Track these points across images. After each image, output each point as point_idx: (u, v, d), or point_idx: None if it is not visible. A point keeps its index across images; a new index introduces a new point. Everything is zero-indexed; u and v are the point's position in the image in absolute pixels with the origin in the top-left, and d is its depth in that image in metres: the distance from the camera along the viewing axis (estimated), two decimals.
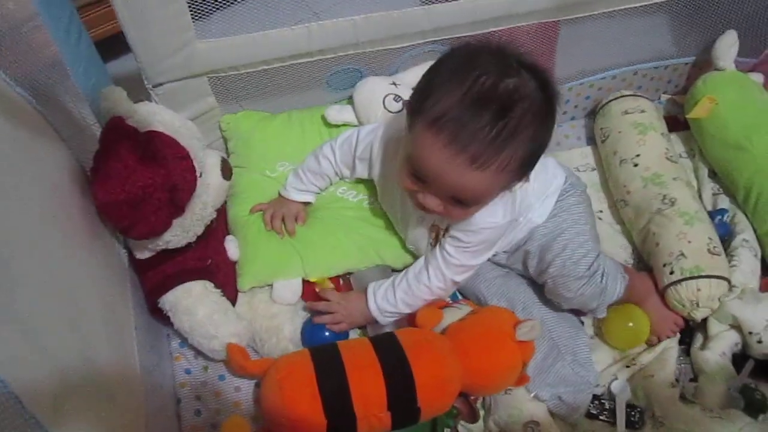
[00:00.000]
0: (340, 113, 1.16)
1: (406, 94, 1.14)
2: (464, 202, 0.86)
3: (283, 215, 1.10)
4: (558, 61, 1.40)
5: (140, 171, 0.82)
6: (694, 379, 1.08)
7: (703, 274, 1.07)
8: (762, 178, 1.20)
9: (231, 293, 1.04)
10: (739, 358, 1.09)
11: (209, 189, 0.97)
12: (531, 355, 0.99)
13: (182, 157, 0.87)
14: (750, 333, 1.06)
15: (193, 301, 0.96)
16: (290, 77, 1.13)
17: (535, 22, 1.20)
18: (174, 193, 0.85)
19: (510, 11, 1.15)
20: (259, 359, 1.02)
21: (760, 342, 1.05)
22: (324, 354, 0.93)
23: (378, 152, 1.05)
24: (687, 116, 1.33)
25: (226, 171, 1.00)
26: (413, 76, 1.17)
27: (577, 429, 1.04)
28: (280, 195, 1.13)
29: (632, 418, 1.04)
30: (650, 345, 1.13)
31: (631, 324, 1.10)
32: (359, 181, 1.16)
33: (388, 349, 0.93)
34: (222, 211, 1.09)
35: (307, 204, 1.14)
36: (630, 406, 1.05)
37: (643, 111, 1.33)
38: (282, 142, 1.17)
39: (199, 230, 0.98)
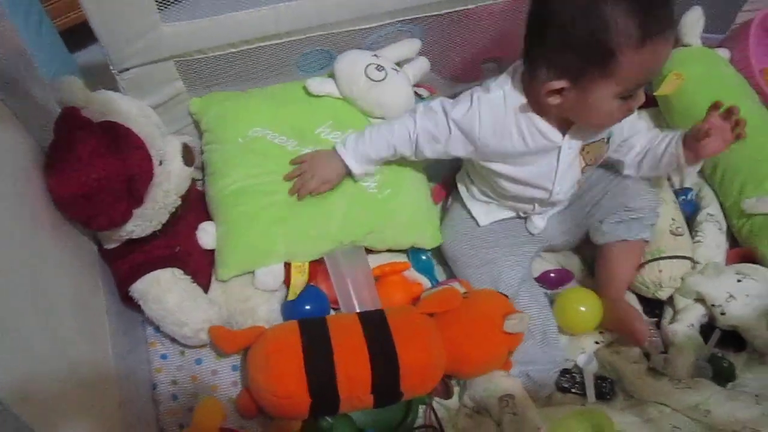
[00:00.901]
0: (321, 85, 1.14)
1: (388, 64, 1.14)
2: None
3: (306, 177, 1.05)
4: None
5: (95, 162, 0.82)
6: (665, 351, 1.11)
7: (665, 255, 1.10)
8: (727, 153, 1.21)
9: (203, 279, 1.04)
10: (707, 329, 1.12)
11: (171, 176, 0.96)
12: (517, 344, 1.01)
13: (138, 146, 0.87)
14: (713, 305, 1.08)
15: (162, 289, 0.97)
16: (259, 60, 1.11)
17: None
18: (131, 184, 0.85)
19: None
20: (247, 328, 1.02)
21: (723, 314, 1.08)
22: (313, 330, 0.94)
23: (509, 128, 1.00)
24: (654, 94, 1.34)
25: (189, 157, 0.99)
26: (393, 51, 1.17)
27: (551, 400, 1.07)
28: (333, 149, 1.08)
29: (603, 389, 1.06)
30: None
31: (583, 308, 1.10)
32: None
33: (377, 330, 0.94)
34: (193, 196, 1.08)
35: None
36: (601, 378, 1.08)
37: None
38: (254, 111, 1.13)
39: (164, 218, 0.97)
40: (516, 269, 1.11)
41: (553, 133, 0.99)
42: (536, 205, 1.12)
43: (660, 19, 0.84)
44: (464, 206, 1.17)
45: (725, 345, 1.12)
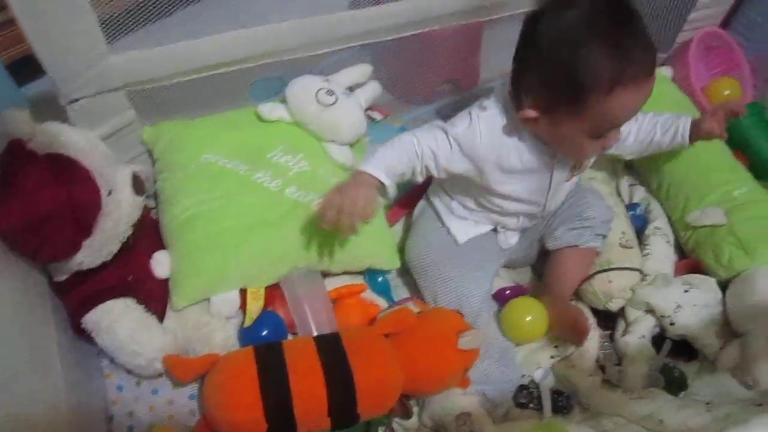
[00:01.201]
0: (272, 110, 1.16)
1: (338, 89, 1.15)
2: None
3: (348, 205, 0.93)
4: (483, 61, 1.44)
5: (40, 194, 0.82)
6: (619, 363, 1.13)
7: (614, 266, 1.13)
8: (670, 167, 1.26)
9: (158, 307, 1.04)
10: (659, 340, 1.14)
11: (121, 206, 0.96)
12: (473, 361, 1.02)
13: (84, 177, 0.87)
14: (662, 316, 1.11)
15: (114, 320, 0.96)
16: (211, 87, 1.12)
17: (458, 23, 1.23)
18: (78, 215, 0.85)
19: (430, 14, 1.17)
20: (202, 356, 1.01)
21: (672, 324, 1.10)
22: (268, 355, 0.94)
23: (506, 145, 1.00)
24: None
25: (139, 186, 0.99)
26: (344, 76, 1.19)
27: (508, 417, 1.07)
28: (355, 173, 0.98)
29: (559, 404, 1.08)
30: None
31: (529, 318, 1.10)
32: (305, 176, 1.13)
33: (332, 352, 0.95)
34: (147, 224, 1.07)
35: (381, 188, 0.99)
36: (557, 392, 1.09)
37: None
38: (205, 137, 1.13)
39: (114, 248, 0.97)
40: (481, 285, 1.12)
41: (544, 152, 1.01)
42: (521, 217, 1.14)
43: (635, 66, 0.85)
44: (440, 220, 1.17)
45: (677, 355, 1.14)
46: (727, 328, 1.10)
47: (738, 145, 1.34)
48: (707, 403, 1.05)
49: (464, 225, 1.16)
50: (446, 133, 1.01)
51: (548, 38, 0.88)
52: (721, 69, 1.50)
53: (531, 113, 0.93)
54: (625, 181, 1.37)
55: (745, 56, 1.49)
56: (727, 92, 1.44)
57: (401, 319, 1.01)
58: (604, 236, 1.16)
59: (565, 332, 1.11)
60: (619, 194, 1.34)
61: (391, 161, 1.00)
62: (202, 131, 1.15)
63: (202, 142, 1.13)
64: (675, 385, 1.09)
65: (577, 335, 1.08)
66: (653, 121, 1.16)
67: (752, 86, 1.49)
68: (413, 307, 1.07)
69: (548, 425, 1.03)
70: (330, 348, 0.96)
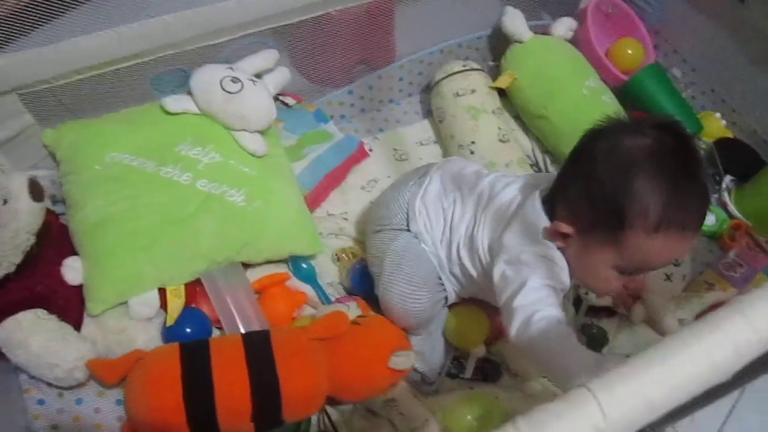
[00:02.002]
0: (178, 102, 1.11)
1: (244, 76, 1.11)
2: None
3: None
4: (397, 40, 1.44)
5: None
6: None
7: None
8: (564, 144, 1.29)
9: (74, 315, 1.00)
10: (578, 302, 1.18)
11: (18, 215, 0.91)
12: (401, 378, 1.01)
13: None
14: (576, 285, 1.13)
15: (25, 333, 0.92)
16: (111, 85, 1.09)
17: (360, 3, 1.22)
18: None
19: None
20: (127, 354, 0.98)
21: (586, 294, 1.16)
22: (194, 358, 0.92)
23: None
24: (490, 86, 1.39)
25: (37, 192, 0.95)
26: (249, 63, 1.16)
27: (440, 387, 1.09)
28: None
29: (488, 372, 1.10)
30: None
31: (470, 325, 1.09)
32: (216, 167, 1.10)
33: (260, 358, 0.93)
34: (54, 231, 1.03)
35: None
36: (486, 361, 1.12)
37: (474, 91, 1.37)
38: (109, 136, 1.09)
39: (16, 259, 0.93)
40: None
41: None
42: None
43: (687, 215, 0.80)
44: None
45: (598, 312, 1.18)
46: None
47: (638, 105, 1.39)
48: (627, 356, 1.10)
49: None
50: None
51: (606, 156, 0.83)
52: (620, 33, 1.54)
53: (566, 228, 0.85)
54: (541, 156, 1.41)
55: (649, 21, 1.53)
56: (630, 51, 1.48)
57: (334, 325, 0.98)
58: None
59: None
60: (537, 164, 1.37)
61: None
62: (105, 130, 1.10)
63: (106, 142, 1.08)
64: (596, 342, 1.13)
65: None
66: None
67: (653, 48, 1.54)
68: (356, 310, 1.06)
69: (478, 394, 1.05)
70: (258, 353, 0.94)
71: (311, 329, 0.99)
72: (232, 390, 0.90)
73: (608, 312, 1.17)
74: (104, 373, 0.97)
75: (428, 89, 1.46)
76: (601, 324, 1.15)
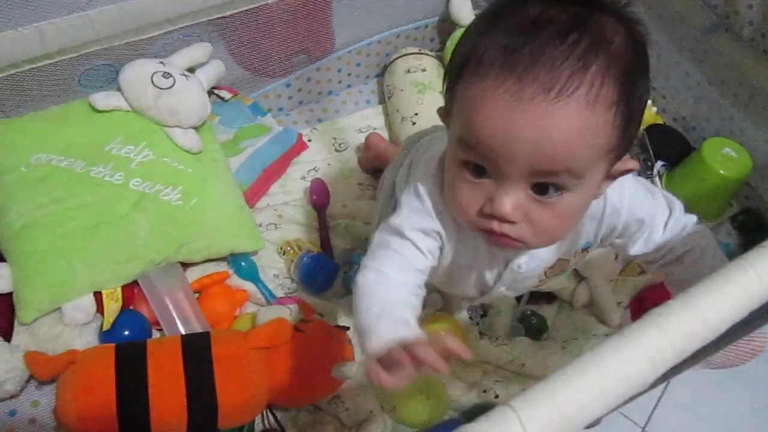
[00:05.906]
0: (107, 99, 1.08)
1: (176, 71, 1.09)
2: (556, 183, 0.58)
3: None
4: (336, 28, 1.42)
5: None
6: (485, 315, 1.18)
7: None
8: None
9: (2, 325, 0.97)
10: None
11: None
12: (341, 385, 1.01)
13: None
14: None
15: None
16: (36, 83, 1.04)
17: None
18: None
19: None
20: (60, 354, 0.95)
21: None
22: (129, 362, 0.90)
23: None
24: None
25: None
26: (181, 57, 1.13)
27: None
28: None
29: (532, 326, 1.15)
30: None
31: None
32: (149, 166, 1.07)
33: (198, 366, 0.91)
34: None
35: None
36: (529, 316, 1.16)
37: (424, 70, 1.39)
38: (34, 135, 1.05)
39: None
40: None
41: None
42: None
43: (486, 45, 0.57)
44: None
45: (539, 299, 1.21)
46: (575, 271, 1.17)
47: None
48: (564, 342, 1.14)
49: None
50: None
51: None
52: None
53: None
54: None
55: None
56: None
57: (275, 335, 0.97)
58: None
59: None
60: None
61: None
62: (29, 129, 1.06)
63: (30, 142, 1.04)
64: (535, 330, 1.16)
65: None
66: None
67: None
68: (297, 313, 1.05)
69: (426, 379, 1.07)
70: (196, 360, 0.92)
71: (252, 338, 0.96)
72: (167, 400, 0.89)
73: (548, 298, 1.20)
74: (38, 368, 0.94)
75: (367, 79, 1.47)
76: (540, 311, 1.18)
